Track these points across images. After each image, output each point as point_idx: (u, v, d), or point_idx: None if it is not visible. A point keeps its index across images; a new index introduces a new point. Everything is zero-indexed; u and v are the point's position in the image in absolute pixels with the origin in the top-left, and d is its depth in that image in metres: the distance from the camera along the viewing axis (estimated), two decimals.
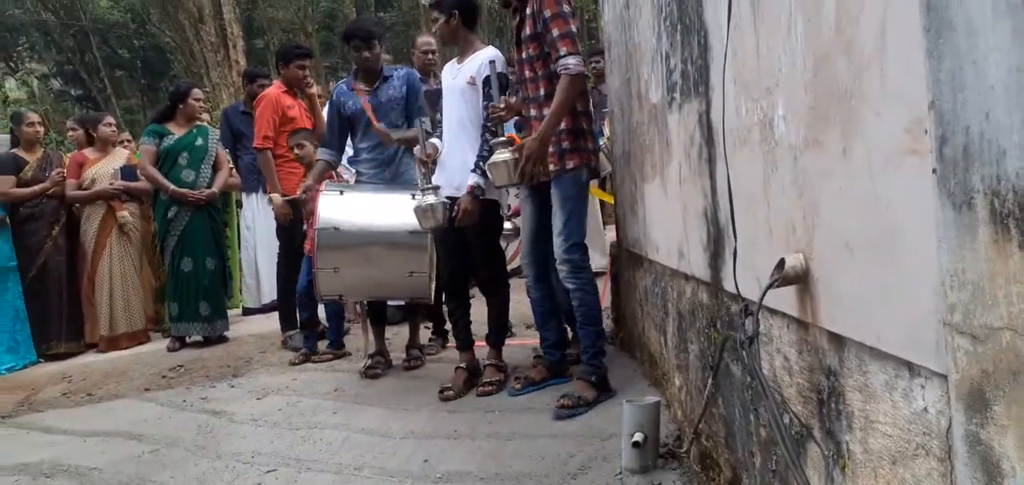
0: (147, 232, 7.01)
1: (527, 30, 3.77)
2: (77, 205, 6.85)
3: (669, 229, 3.42)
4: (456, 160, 4.33)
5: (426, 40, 6.67)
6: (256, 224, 7.52)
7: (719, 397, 2.71)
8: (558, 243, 3.83)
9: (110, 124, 7.14)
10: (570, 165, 3.83)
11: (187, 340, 6.46)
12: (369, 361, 5.06)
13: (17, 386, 5.79)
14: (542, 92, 3.84)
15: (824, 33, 1.63)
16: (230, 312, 7.07)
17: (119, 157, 7.02)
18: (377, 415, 4.20)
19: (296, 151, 5.70)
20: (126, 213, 6.82)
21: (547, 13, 3.63)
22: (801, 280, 1.85)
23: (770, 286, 1.90)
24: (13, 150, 6.86)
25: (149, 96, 22.86)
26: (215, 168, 6.61)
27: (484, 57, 4.18)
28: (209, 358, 5.94)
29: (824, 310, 1.77)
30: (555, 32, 3.63)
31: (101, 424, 4.63)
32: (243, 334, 6.75)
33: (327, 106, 5.33)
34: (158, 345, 6.68)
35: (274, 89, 6.16)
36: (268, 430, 4.12)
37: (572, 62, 3.64)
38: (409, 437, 3.81)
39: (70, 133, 7.45)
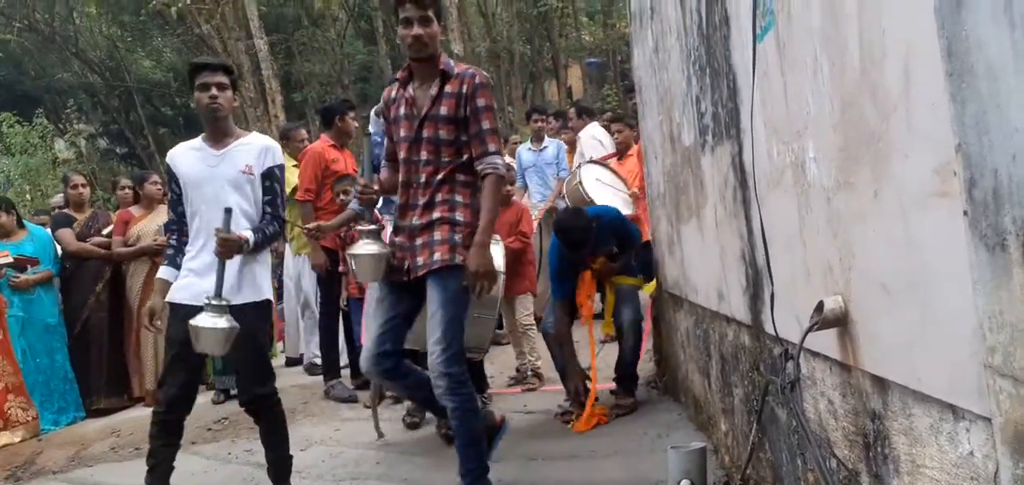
0: None
1: (443, 110, 3.19)
2: (124, 262, 7.05)
3: (707, 271, 3.40)
4: (230, 267, 3.43)
5: None
6: (302, 277, 7.63)
7: (766, 441, 2.67)
8: (435, 354, 3.11)
9: (156, 182, 7.35)
10: (459, 260, 3.17)
11: (231, 392, 6.55)
12: (409, 409, 4.92)
13: (67, 442, 5.92)
14: (434, 178, 3.22)
15: (849, 77, 1.64)
16: (273, 362, 7.15)
17: (163, 214, 7.21)
18: (420, 465, 4.20)
19: (342, 197, 5.68)
20: None
21: (480, 102, 3.21)
22: (841, 322, 1.84)
23: (810, 329, 1.89)
24: (64, 209, 7.12)
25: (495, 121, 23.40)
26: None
27: (259, 144, 3.58)
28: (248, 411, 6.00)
29: (865, 352, 1.76)
30: (486, 125, 3.22)
31: None
32: (286, 385, 6.79)
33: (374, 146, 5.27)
34: (203, 398, 6.78)
35: (319, 144, 6.29)
36: (312, 482, 4.15)
37: (500, 162, 3.27)
38: None
39: (120, 191, 7.70)
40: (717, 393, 3.47)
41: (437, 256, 3.18)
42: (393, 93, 3.38)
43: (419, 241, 3.22)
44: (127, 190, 7.69)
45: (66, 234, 6.84)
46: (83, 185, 7.37)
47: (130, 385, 6.99)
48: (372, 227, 3.31)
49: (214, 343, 3.21)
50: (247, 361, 3.55)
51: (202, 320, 3.17)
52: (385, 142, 3.48)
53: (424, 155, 3.23)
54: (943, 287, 1.36)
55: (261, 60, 16.37)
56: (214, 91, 3.43)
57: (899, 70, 1.42)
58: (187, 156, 3.55)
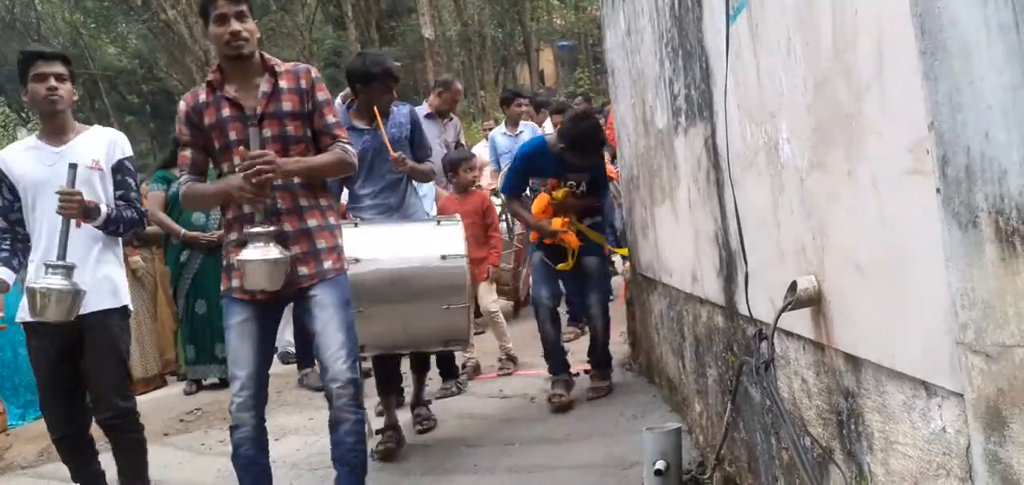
0: (163, 275, 7.05)
1: (287, 105, 2.97)
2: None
3: (681, 253, 3.41)
4: (85, 266, 3.22)
5: (459, 85, 6.99)
6: None
7: (740, 422, 2.69)
8: (340, 360, 2.91)
9: None
10: (344, 264, 3.11)
11: (204, 383, 6.48)
12: (380, 437, 4.18)
13: (38, 435, 5.80)
14: (291, 182, 2.98)
15: (822, 57, 1.64)
16: None
17: None
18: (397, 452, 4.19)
19: None
20: (138, 258, 6.87)
21: (321, 96, 3.05)
22: (814, 302, 1.85)
23: (783, 309, 1.90)
24: None
25: (159, 139, 23.18)
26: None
27: (105, 137, 3.40)
28: (226, 400, 5.88)
29: (838, 331, 1.77)
30: (331, 118, 3.07)
31: None
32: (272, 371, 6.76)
33: None
34: (175, 389, 6.71)
35: None
36: (287, 471, 4.12)
37: (352, 152, 3.11)
38: (430, 473, 3.80)
39: None
40: (691, 374, 3.50)
41: (327, 265, 3.01)
42: (203, 97, 3.00)
43: (296, 250, 2.95)
44: None
45: None
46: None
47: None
48: (264, 227, 2.86)
49: (59, 307, 2.94)
50: (107, 372, 3.25)
51: (44, 283, 2.94)
52: (191, 154, 3.03)
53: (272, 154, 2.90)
54: (916, 265, 1.37)
55: None
56: (52, 82, 3.18)
57: (872, 49, 1.42)
58: (22, 157, 3.26)
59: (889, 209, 1.44)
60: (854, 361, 1.72)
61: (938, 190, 1.23)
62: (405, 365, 4.56)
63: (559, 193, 4.52)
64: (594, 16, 18.43)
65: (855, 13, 1.48)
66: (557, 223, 4.49)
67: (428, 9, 16.58)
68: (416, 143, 4.43)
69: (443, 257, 3.81)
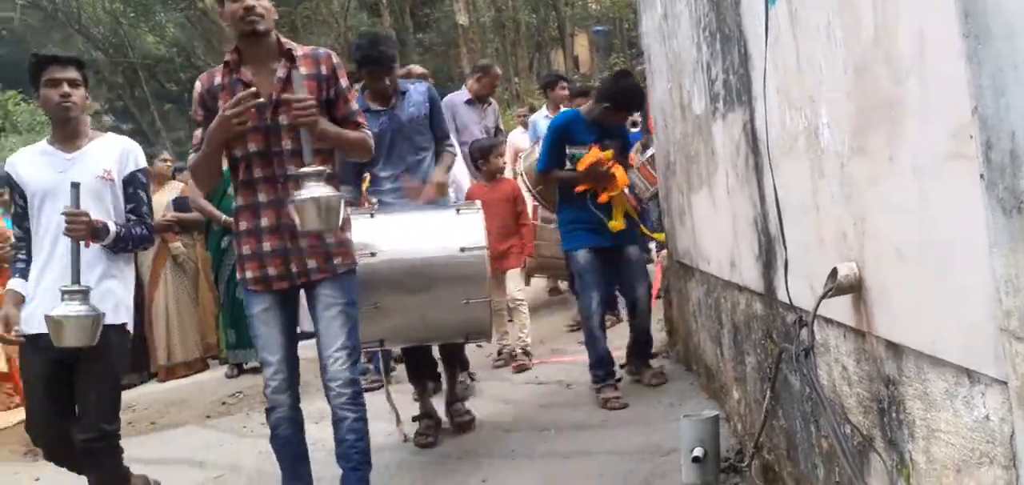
0: (205, 261, 7.18)
1: (323, 92, 2.95)
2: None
3: (719, 239, 3.40)
4: (88, 272, 3.08)
5: (498, 69, 6.93)
6: None
7: (779, 409, 2.68)
8: (340, 360, 2.96)
9: (165, 160, 7.36)
10: (350, 261, 3.08)
11: (245, 367, 6.59)
12: (418, 425, 4.20)
13: None
14: (293, 167, 2.87)
15: (863, 41, 1.62)
16: None
17: (172, 190, 7.24)
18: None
19: None
20: (178, 244, 7.01)
21: (343, 83, 3.02)
22: (855, 289, 1.83)
23: (824, 296, 1.89)
24: None
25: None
26: None
27: (119, 146, 3.28)
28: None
29: (879, 318, 1.76)
30: (353, 105, 3.06)
31: (164, 452, 4.76)
32: (300, 358, 6.86)
33: None
34: (217, 373, 6.84)
35: None
36: (327, 455, 4.16)
37: (371, 140, 3.14)
38: (465, 458, 3.84)
39: None
40: (729, 362, 3.48)
41: (337, 260, 2.99)
42: (218, 79, 2.95)
43: (305, 242, 2.92)
44: None
45: None
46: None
47: (144, 360, 7.06)
48: (314, 168, 2.75)
49: (80, 333, 2.82)
50: (99, 391, 3.10)
51: (63, 310, 2.80)
52: (202, 134, 2.96)
53: (287, 144, 2.87)
54: (959, 251, 1.35)
55: None
56: (65, 88, 3.06)
57: (914, 33, 1.41)
58: (33, 162, 3.16)
59: (931, 195, 1.43)
60: (895, 348, 1.70)
61: (982, 175, 1.22)
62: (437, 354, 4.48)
63: (607, 153, 4.33)
64: (629, 1, 18.29)
65: None
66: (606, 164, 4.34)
67: None
68: (435, 123, 4.31)
69: (462, 249, 3.65)
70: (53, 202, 3.05)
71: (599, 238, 4.39)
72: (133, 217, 3.17)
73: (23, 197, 3.14)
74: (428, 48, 22.05)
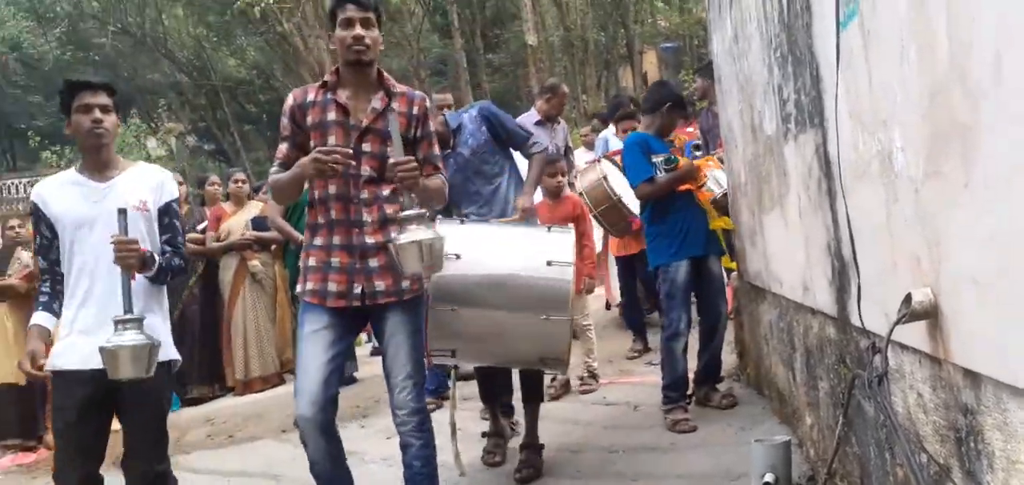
0: (283, 278, 7.40)
1: (412, 131, 3.04)
2: (217, 256, 7.36)
3: (791, 262, 3.35)
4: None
5: (566, 88, 6.90)
6: None
7: (852, 435, 2.63)
8: (407, 389, 2.97)
9: (238, 181, 7.62)
10: (417, 286, 3.05)
11: None
12: (486, 443, 4.18)
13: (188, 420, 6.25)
14: (381, 195, 2.97)
15: (937, 65, 1.60)
16: (358, 351, 7.36)
17: (252, 209, 7.50)
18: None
19: None
20: (256, 262, 7.24)
21: (431, 126, 3.12)
22: (930, 315, 1.80)
23: (897, 322, 1.86)
24: None
25: (275, 148, 24.21)
26: None
27: (154, 175, 3.14)
28: (339, 399, 6.18)
29: (956, 346, 1.72)
30: (436, 150, 3.15)
31: (242, 465, 4.92)
32: (371, 374, 6.99)
33: None
34: (293, 388, 7.01)
35: None
36: (398, 470, 4.23)
37: (446, 187, 3.23)
38: (531, 477, 3.85)
39: (209, 188, 8.04)
40: (802, 386, 3.42)
41: (405, 284, 2.97)
42: (312, 96, 3.00)
43: (375, 262, 2.94)
44: (216, 186, 8.02)
45: None
46: (181, 182, 7.69)
47: (222, 374, 7.31)
48: (417, 209, 2.80)
49: (136, 363, 2.66)
50: (146, 431, 2.99)
51: (118, 340, 2.64)
52: (286, 149, 3.02)
53: (366, 170, 2.93)
54: None
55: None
56: (98, 113, 2.92)
57: (990, 57, 1.39)
58: (62, 192, 2.98)
59: (1008, 221, 1.40)
60: (973, 377, 1.66)
61: None
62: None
63: (705, 161, 4.58)
64: (700, 18, 18.12)
65: (971, 20, 1.44)
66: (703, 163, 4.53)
67: (531, 16, 16.71)
68: (502, 137, 4.13)
69: (549, 263, 3.43)
70: (88, 234, 2.90)
71: (693, 248, 4.38)
72: (169, 248, 3.05)
73: (50, 229, 2.96)
74: (497, 68, 22.27)
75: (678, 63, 21.74)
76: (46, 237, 2.98)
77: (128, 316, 2.68)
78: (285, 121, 3.03)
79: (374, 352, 8.06)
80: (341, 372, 3.06)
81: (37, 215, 3.00)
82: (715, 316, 4.53)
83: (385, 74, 3.05)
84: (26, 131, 21.35)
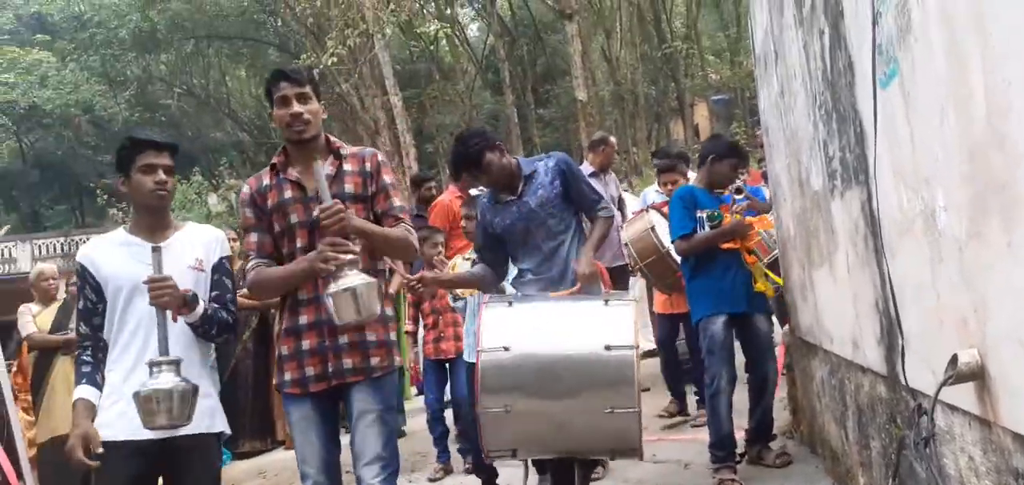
0: None
1: (349, 187, 2.88)
2: (273, 310, 7.51)
3: (841, 318, 3.31)
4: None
5: (612, 139, 6.86)
6: None
7: None
8: (373, 473, 2.76)
9: None
10: (394, 362, 2.91)
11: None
12: None
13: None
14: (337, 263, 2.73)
15: (976, 126, 1.61)
16: (407, 405, 7.39)
17: None
18: None
19: (427, 251, 4.94)
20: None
21: (387, 178, 2.95)
22: (977, 376, 1.78)
23: (944, 383, 1.83)
24: None
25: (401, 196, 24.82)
26: (390, 271, 6.97)
27: (207, 234, 3.03)
28: (405, 445, 6.20)
29: (1005, 408, 1.69)
30: (396, 201, 2.95)
31: None
32: (420, 428, 7.00)
33: (477, 222, 4.14)
34: (343, 439, 7.06)
35: (448, 195, 6.49)
36: None
37: (415, 236, 3.00)
38: None
39: None
40: (854, 445, 3.35)
41: (375, 361, 2.84)
42: (266, 181, 2.92)
43: (343, 339, 2.80)
44: None
45: None
46: (234, 239, 7.89)
47: (274, 428, 7.43)
48: (349, 258, 2.66)
49: (174, 408, 2.51)
50: None
51: (154, 384, 2.50)
52: (257, 237, 2.92)
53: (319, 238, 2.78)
54: None
55: (396, 115, 17.14)
56: (161, 175, 2.80)
57: None
58: (114, 254, 2.84)
59: None
60: (1023, 440, 1.63)
61: None
62: None
63: (764, 218, 4.50)
64: (750, 70, 18.13)
65: (1008, 84, 1.45)
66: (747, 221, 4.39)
67: (581, 72, 16.91)
68: (574, 196, 3.82)
69: (607, 347, 3.06)
70: (142, 297, 2.71)
71: (733, 305, 4.29)
72: (216, 305, 2.88)
73: (97, 292, 2.81)
74: (548, 123, 22.52)
75: (730, 115, 21.69)
76: (90, 301, 2.82)
77: (164, 358, 2.54)
78: (247, 212, 2.94)
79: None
80: (338, 445, 2.94)
81: (83, 278, 2.84)
82: (763, 374, 4.41)
83: (332, 139, 2.98)
84: (95, 189, 22.25)
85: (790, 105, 3.94)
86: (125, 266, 2.80)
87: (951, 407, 2.02)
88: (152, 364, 2.54)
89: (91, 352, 2.82)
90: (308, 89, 2.86)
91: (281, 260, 2.90)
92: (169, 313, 2.63)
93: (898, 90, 2.09)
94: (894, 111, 2.14)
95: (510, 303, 3.33)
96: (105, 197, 20.79)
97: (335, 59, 15.72)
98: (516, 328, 3.19)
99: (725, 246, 4.28)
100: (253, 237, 2.93)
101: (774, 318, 6.36)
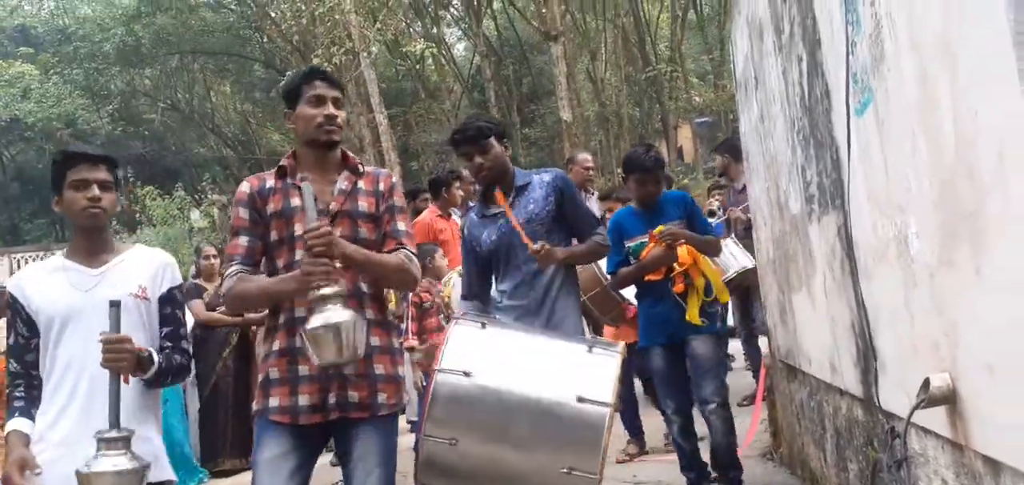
0: None
1: (363, 205, 2.63)
2: (254, 327, 7.46)
3: (819, 341, 3.35)
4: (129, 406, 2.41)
5: (586, 157, 6.87)
6: None
7: None
8: None
9: None
10: (402, 399, 2.67)
11: None
12: None
13: None
14: (356, 289, 2.57)
15: (945, 156, 1.65)
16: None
17: None
18: None
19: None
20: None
21: (398, 201, 2.73)
22: (949, 400, 1.81)
23: (916, 407, 1.86)
24: (195, 280, 7.63)
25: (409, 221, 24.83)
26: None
27: (155, 259, 2.65)
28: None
29: (975, 432, 1.72)
30: (403, 225, 2.71)
31: None
32: (405, 445, 6.97)
33: (461, 243, 3.78)
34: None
35: (428, 214, 6.52)
36: None
37: (417, 265, 2.73)
38: None
39: None
40: (833, 467, 3.38)
41: (381, 398, 2.53)
42: (270, 182, 2.63)
43: (351, 369, 2.48)
44: None
45: (196, 305, 7.29)
46: (214, 256, 7.83)
47: (250, 446, 7.36)
48: (333, 291, 2.35)
49: None
50: None
51: (101, 465, 2.13)
52: (247, 241, 2.61)
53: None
54: None
55: (381, 133, 17.15)
56: (95, 191, 2.45)
57: (993, 152, 1.43)
58: (46, 282, 2.50)
59: (1017, 310, 1.42)
60: (993, 464, 1.66)
61: None
62: None
63: (658, 230, 3.94)
64: (733, 93, 18.30)
65: (975, 115, 1.49)
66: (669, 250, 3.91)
67: (566, 93, 17.00)
68: (570, 216, 3.48)
69: (580, 399, 2.51)
70: (75, 328, 2.43)
71: (666, 334, 4.00)
72: (169, 344, 2.57)
73: (29, 326, 2.48)
74: (533, 142, 22.58)
75: (713, 138, 21.86)
76: (22, 336, 2.48)
77: (114, 433, 2.17)
78: (242, 211, 2.62)
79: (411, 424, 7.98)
80: None
81: (14, 309, 2.50)
82: (702, 397, 3.96)
83: (349, 153, 2.75)
84: None
85: (770, 130, 3.99)
86: (60, 294, 2.46)
87: (925, 430, 2.05)
88: (100, 439, 2.16)
89: (24, 389, 2.48)
90: (341, 94, 2.70)
91: (272, 273, 2.61)
92: (122, 376, 2.28)
93: (872, 118, 2.13)
94: (869, 138, 2.19)
95: (483, 325, 2.79)
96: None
97: None
98: (484, 354, 2.69)
99: (649, 277, 4.00)
100: (243, 240, 2.60)
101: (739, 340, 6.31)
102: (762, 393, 5.18)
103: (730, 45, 5.66)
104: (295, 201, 2.57)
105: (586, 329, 3.31)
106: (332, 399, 2.48)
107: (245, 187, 2.67)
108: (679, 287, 3.94)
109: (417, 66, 21.64)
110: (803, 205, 3.32)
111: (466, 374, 2.59)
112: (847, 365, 2.86)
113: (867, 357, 2.52)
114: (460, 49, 25.77)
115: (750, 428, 4.83)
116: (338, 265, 2.43)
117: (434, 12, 20.41)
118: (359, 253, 2.53)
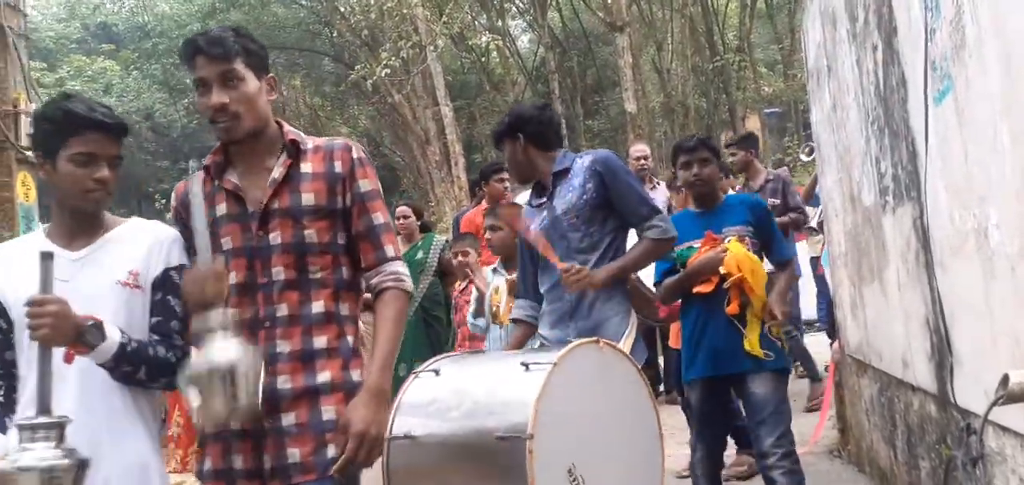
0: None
1: (307, 197, 2.01)
2: None
3: (891, 336, 3.27)
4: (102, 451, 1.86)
5: (641, 148, 6.76)
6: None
7: None
8: None
9: (405, 216, 7.82)
10: (331, 452, 1.94)
11: None
12: None
13: None
14: (306, 311, 2.01)
15: None
16: None
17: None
18: None
19: (459, 258, 4.58)
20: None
21: (365, 185, 2.08)
22: None
23: (994, 404, 1.81)
24: None
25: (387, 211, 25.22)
26: (445, 274, 6.91)
27: (150, 236, 2.08)
28: None
29: None
30: (378, 218, 2.08)
31: None
32: None
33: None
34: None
35: (473, 209, 6.55)
36: None
37: (405, 274, 2.13)
38: None
39: None
40: (903, 465, 3.30)
41: (330, 451, 1.93)
42: (195, 187, 1.99)
43: (290, 419, 1.93)
44: None
45: None
46: None
47: None
48: (221, 316, 1.83)
49: None
50: None
51: (22, 459, 1.63)
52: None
53: (280, 274, 1.97)
54: None
55: (446, 125, 17.30)
56: (106, 171, 1.96)
57: None
58: (20, 266, 1.94)
59: None
60: None
61: None
62: None
63: (729, 244, 3.13)
64: (803, 83, 17.88)
65: None
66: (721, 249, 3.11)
67: (631, 84, 16.85)
68: (616, 202, 2.91)
69: (499, 438, 2.02)
70: None
71: (712, 367, 3.17)
72: (156, 336, 2.00)
73: (5, 318, 1.98)
74: (597, 134, 22.47)
75: (782, 128, 21.43)
76: (1, 328, 1.98)
77: (41, 419, 1.68)
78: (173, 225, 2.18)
79: None
80: None
81: None
82: (763, 452, 3.05)
83: (288, 128, 2.11)
84: (153, 194, 22.92)
85: (842, 120, 3.91)
86: (33, 283, 1.83)
87: (1003, 428, 2.00)
88: (21, 427, 1.69)
89: (4, 391, 2.00)
90: (238, 65, 1.96)
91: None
92: (55, 351, 1.78)
93: (952, 106, 2.08)
94: (947, 128, 2.13)
95: (437, 372, 2.36)
96: (162, 202, 21.39)
97: (388, 70, 15.93)
98: (431, 406, 2.34)
99: (697, 289, 3.16)
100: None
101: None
102: (831, 389, 5.09)
103: (801, 34, 5.55)
104: (221, 207, 2.04)
105: (632, 327, 2.83)
106: (269, 460, 1.93)
107: (173, 198, 2.20)
108: (733, 307, 3.07)
109: (482, 59, 21.75)
110: (877, 197, 3.24)
111: (409, 438, 2.19)
112: (920, 360, 2.79)
113: (942, 352, 2.46)
114: (524, 41, 25.79)
115: (817, 425, 4.75)
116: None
117: (499, 4, 20.45)
118: (378, 376, 2.04)
